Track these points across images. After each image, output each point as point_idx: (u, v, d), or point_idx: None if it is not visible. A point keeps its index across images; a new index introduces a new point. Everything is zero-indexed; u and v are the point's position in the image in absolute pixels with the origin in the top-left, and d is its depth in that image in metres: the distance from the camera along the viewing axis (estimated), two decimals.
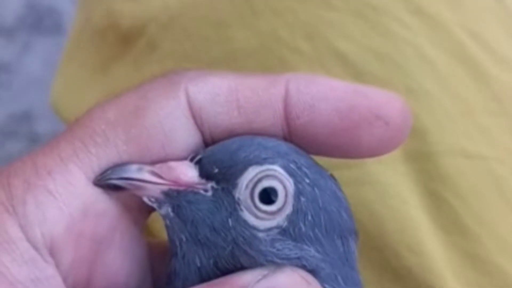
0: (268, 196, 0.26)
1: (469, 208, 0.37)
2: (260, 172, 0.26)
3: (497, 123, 0.39)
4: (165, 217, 0.27)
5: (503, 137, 0.39)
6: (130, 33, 0.44)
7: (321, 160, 0.28)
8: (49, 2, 1.00)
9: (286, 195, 0.26)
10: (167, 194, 0.27)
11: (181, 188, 0.27)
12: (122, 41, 0.45)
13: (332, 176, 0.28)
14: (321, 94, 0.27)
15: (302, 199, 0.26)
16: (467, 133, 0.38)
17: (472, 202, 0.37)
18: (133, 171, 0.26)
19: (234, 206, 0.26)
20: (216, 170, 0.27)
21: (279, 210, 0.26)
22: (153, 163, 0.27)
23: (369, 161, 0.37)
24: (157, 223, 0.28)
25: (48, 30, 0.99)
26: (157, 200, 0.27)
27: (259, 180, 0.26)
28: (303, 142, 0.28)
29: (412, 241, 0.37)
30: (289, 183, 0.26)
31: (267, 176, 0.26)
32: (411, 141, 0.37)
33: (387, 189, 0.38)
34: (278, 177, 0.26)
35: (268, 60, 0.40)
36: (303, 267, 0.26)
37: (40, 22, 1.00)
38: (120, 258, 0.28)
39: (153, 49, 0.43)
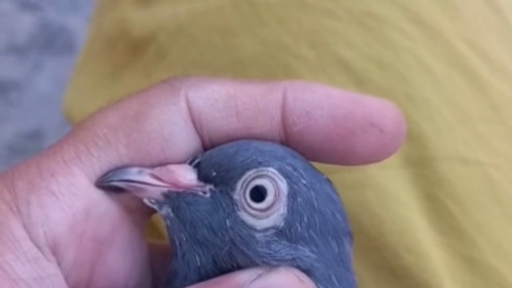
0: (261, 196, 0.27)
1: (466, 212, 0.37)
2: (254, 172, 0.27)
3: (494, 130, 0.39)
4: (165, 218, 0.28)
5: (500, 144, 0.39)
6: (140, 41, 0.45)
7: (323, 164, 0.29)
8: (61, 21, 1.00)
9: (276, 194, 0.27)
10: (167, 195, 0.27)
11: (180, 190, 0.27)
12: (133, 49, 0.45)
13: (327, 180, 0.29)
14: (317, 101, 0.28)
15: (299, 199, 0.27)
16: (465, 140, 0.38)
17: (469, 207, 0.38)
18: (133, 174, 0.27)
19: (232, 207, 0.27)
20: (214, 174, 0.27)
21: (269, 207, 0.27)
22: (153, 166, 0.27)
23: (371, 165, 0.38)
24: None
25: (60, 49, 0.99)
26: (157, 202, 0.27)
27: (252, 179, 0.27)
28: (299, 148, 0.28)
29: (410, 242, 0.37)
30: (281, 182, 0.27)
31: (259, 176, 0.27)
32: (411, 147, 0.38)
33: (387, 192, 0.38)
34: (269, 176, 0.27)
35: (273, 67, 0.40)
36: (298, 267, 0.27)
37: (51, 42, 0.99)
38: (120, 258, 0.28)
39: (162, 56, 0.43)
